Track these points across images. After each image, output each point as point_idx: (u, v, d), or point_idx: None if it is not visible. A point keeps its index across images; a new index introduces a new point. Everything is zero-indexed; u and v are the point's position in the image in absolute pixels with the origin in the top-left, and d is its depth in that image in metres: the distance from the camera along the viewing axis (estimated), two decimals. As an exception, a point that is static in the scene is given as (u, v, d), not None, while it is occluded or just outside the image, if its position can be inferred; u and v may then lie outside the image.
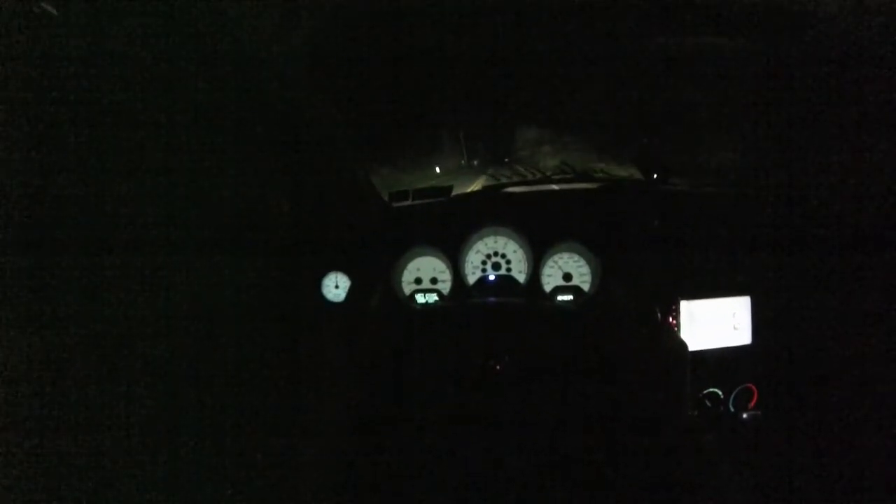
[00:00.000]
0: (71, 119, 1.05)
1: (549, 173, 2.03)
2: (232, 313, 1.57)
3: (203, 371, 1.41)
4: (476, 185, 2.84)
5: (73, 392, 1.06)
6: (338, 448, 1.71)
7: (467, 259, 1.86)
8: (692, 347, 1.63)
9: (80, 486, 1.07)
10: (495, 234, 1.86)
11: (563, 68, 1.96)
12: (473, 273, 1.86)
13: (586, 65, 1.91)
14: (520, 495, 1.61)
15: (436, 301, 1.78)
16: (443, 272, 1.86)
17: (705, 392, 1.63)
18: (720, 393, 1.64)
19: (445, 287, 1.85)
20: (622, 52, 1.72)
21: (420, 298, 1.79)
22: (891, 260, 1.58)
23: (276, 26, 1.08)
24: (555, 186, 2.06)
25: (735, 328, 1.65)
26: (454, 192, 1.97)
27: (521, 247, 1.85)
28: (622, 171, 2.12)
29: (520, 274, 1.84)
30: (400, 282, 1.86)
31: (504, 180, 2.00)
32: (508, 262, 1.86)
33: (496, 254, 1.86)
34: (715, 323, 1.64)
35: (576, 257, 1.82)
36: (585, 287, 1.80)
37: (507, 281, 1.81)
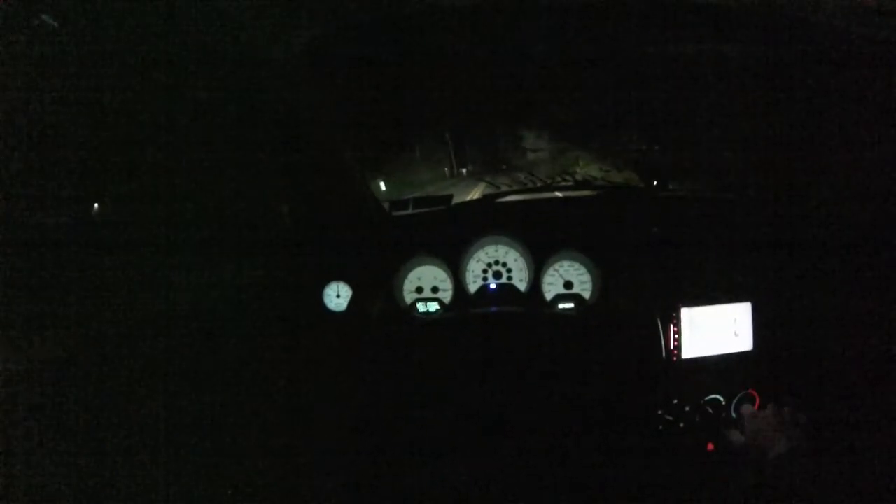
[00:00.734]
0: (71, 119, 1.05)
1: (549, 181, 2.03)
2: (233, 321, 1.56)
3: (203, 376, 1.40)
4: (476, 193, 2.84)
5: (73, 392, 1.05)
6: (339, 454, 1.70)
7: (468, 268, 1.85)
8: (693, 354, 1.63)
9: (80, 486, 1.06)
10: (496, 242, 1.85)
11: (564, 75, 1.96)
12: (474, 282, 1.85)
13: (586, 71, 1.91)
14: (522, 496, 1.61)
15: (437, 310, 1.78)
16: (444, 281, 1.85)
17: (707, 398, 1.63)
18: (722, 399, 1.63)
19: (446, 296, 1.84)
20: (622, 59, 1.72)
21: (421, 307, 1.78)
22: (892, 265, 1.58)
23: (277, 29, 1.08)
24: (555, 194, 2.06)
25: (736, 334, 1.64)
26: (454, 201, 1.97)
27: (521, 255, 1.84)
28: (622, 178, 2.12)
29: (521, 282, 1.83)
30: (401, 291, 1.85)
31: (504, 188, 2.00)
32: (509, 270, 1.85)
33: (497, 262, 1.85)
34: (716, 329, 1.63)
35: (576, 265, 1.81)
36: (586, 295, 1.79)
37: (507, 289, 1.80)
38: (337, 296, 1.82)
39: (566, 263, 1.82)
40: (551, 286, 1.82)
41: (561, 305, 1.75)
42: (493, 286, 1.81)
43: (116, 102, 1.11)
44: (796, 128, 1.72)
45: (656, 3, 1.23)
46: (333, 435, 1.73)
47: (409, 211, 1.95)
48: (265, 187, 1.68)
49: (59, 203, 1.05)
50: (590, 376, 1.59)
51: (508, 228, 1.83)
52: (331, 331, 1.82)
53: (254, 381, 1.59)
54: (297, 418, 1.73)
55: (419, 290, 1.86)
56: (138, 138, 1.20)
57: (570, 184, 1.97)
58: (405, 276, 1.86)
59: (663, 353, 1.61)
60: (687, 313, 1.62)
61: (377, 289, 1.80)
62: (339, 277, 1.82)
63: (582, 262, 1.81)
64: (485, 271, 1.85)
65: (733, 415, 1.62)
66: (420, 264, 1.86)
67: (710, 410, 1.62)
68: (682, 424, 1.62)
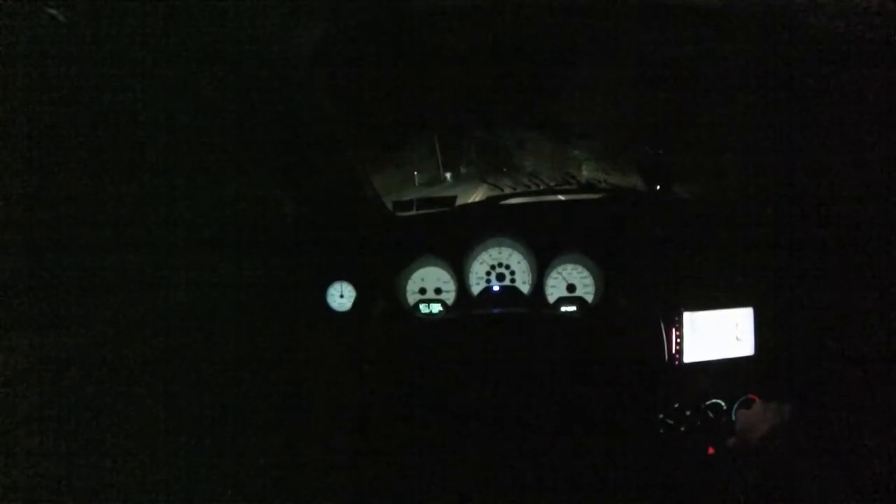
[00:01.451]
0: (71, 119, 1.04)
1: (552, 184, 2.02)
2: (236, 320, 1.56)
3: (205, 375, 1.39)
4: (478, 195, 2.83)
5: (73, 392, 1.04)
6: (341, 452, 1.70)
7: (471, 269, 1.84)
8: (695, 358, 1.62)
9: (81, 485, 1.05)
10: (499, 244, 1.84)
11: (566, 77, 1.95)
12: (477, 283, 1.84)
13: (588, 73, 1.90)
14: (523, 499, 1.60)
15: (440, 311, 1.77)
16: (447, 282, 1.85)
17: (708, 402, 1.62)
18: (723, 403, 1.62)
19: (449, 297, 1.83)
20: (623, 61, 1.71)
21: (424, 308, 1.78)
22: (893, 268, 1.57)
23: (281, 28, 1.07)
24: (558, 197, 2.05)
25: (738, 339, 1.63)
26: (458, 203, 1.96)
27: (525, 257, 1.83)
28: (625, 182, 2.11)
29: (524, 285, 1.82)
30: (404, 291, 1.84)
31: (507, 190, 1.99)
32: (512, 272, 1.84)
33: (500, 264, 1.84)
34: (718, 334, 1.62)
35: (579, 268, 1.80)
36: (589, 298, 1.78)
37: (511, 291, 1.79)
38: (340, 296, 1.81)
39: (569, 266, 1.81)
40: (554, 289, 1.81)
41: (563, 308, 1.74)
42: (496, 288, 1.80)
43: (118, 101, 1.10)
44: (796, 129, 1.71)
45: (656, 5, 1.23)
46: (334, 435, 1.72)
47: (413, 212, 1.95)
48: (269, 187, 1.67)
49: (59, 203, 1.05)
50: (591, 379, 1.58)
51: (512, 230, 1.83)
52: (334, 331, 1.81)
53: (254, 380, 1.58)
54: (298, 418, 1.73)
55: (422, 290, 1.85)
56: (140, 137, 1.19)
57: (573, 187, 1.96)
58: (409, 277, 1.85)
59: (665, 357, 1.60)
60: (689, 317, 1.61)
61: (381, 289, 1.80)
62: (343, 277, 1.81)
63: (585, 265, 1.80)
64: (488, 273, 1.85)
65: (734, 419, 1.62)
66: (423, 265, 1.85)
67: (711, 415, 1.61)
68: (683, 428, 1.61)
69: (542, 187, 2.00)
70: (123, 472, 1.13)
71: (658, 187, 1.97)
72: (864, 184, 1.62)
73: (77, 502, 1.04)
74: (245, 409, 1.55)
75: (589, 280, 1.80)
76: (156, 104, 1.18)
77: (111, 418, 1.12)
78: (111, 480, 1.10)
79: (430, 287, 1.85)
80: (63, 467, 1.02)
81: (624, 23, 1.38)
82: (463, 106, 2.30)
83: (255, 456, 1.56)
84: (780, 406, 1.43)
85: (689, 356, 1.61)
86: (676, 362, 1.60)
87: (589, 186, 1.94)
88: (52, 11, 0.93)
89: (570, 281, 1.80)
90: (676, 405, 1.61)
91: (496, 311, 1.69)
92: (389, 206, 1.90)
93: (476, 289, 1.83)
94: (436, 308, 1.78)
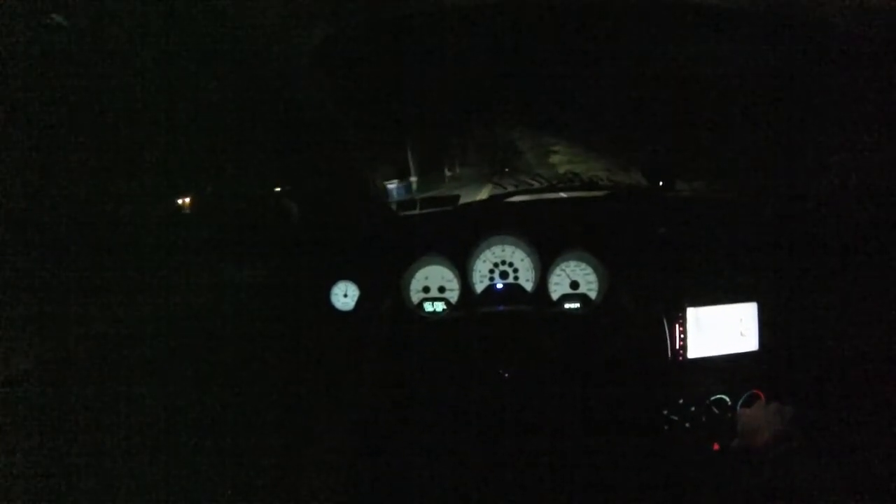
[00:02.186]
0: (71, 119, 1.04)
1: (555, 182, 2.01)
2: (239, 319, 1.56)
3: (207, 374, 1.39)
4: (482, 194, 2.83)
5: (73, 392, 1.04)
6: (343, 452, 1.69)
7: (475, 267, 1.83)
8: (699, 354, 1.61)
9: (80, 486, 1.05)
10: (503, 242, 1.83)
11: (569, 76, 1.94)
12: (481, 281, 1.83)
13: (591, 73, 1.90)
14: (527, 498, 1.60)
15: (444, 309, 1.76)
16: (450, 281, 1.83)
17: (712, 398, 1.61)
18: (727, 399, 1.61)
19: (453, 295, 1.82)
20: (625, 60, 1.71)
21: (428, 307, 1.77)
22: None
23: (285, 28, 1.06)
24: (562, 195, 2.04)
25: (742, 334, 1.61)
26: (461, 201, 1.96)
27: (528, 255, 1.82)
28: (628, 179, 2.10)
29: (527, 282, 1.81)
30: (408, 290, 1.83)
31: (510, 189, 1.98)
32: (516, 270, 1.83)
33: (504, 262, 1.83)
34: (722, 329, 1.61)
35: (583, 265, 1.79)
36: (592, 295, 1.77)
37: (514, 289, 1.78)
38: (344, 295, 1.80)
39: (573, 263, 1.79)
40: (558, 286, 1.79)
41: (567, 305, 1.73)
42: (499, 286, 1.79)
43: (118, 101, 1.10)
44: (798, 127, 1.70)
45: (658, 4, 1.22)
46: (337, 434, 1.72)
47: (417, 211, 1.94)
48: (273, 186, 1.67)
49: (59, 203, 1.05)
50: (595, 376, 1.57)
51: (515, 228, 1.81)
52: (338, 330, 1.81)
53: (257, 380, 1.58)
54: (299, 418, 1.72)
55: (426, 289, 1.84)
56: (141, 137, 1.19)
57: (576, 184, 1.95)
58: (412, 276, 1.84)
59: (669, 353, 1.59)
60: (693, 313, 1.59)
61: (384, 288, 1.79)
62: (347, 277, 1.80)
63: (588, 263, 1.79)
64: (491, 271, 1.83)
65: (736, 419, 1.60)
66: (427, 264, 1.84)
67: (716, 410, 1.59)
68: (687, 424, 1.59)
69: (544, 185, 1.99)
70: (124, 472, 1.13)
71: (661, 184, 1.95)
72: (866, 181, 1.61)
73: (77, 502, 1.04)
74: (247, 408, 1.54)
75: (592, 277, 1.79)
76: (156, 104, 1.18)
77: (111, 418, 1.11)
78: (111, 480, 1.10)
79: (433, 286, 1.84)
80: (63, 467, 1.02)
81: (625, 22, 1.37)
82: (464, 106, 2.29)
83: (256, 456, 1.55)
84: (783, 408, 1.42)
85: (693, 352, 1.60)
86: (680, 358, 1.59)
87: (592, 184, 1.93)
88: (56, 17, 0.93)
89: (574, 278, 1.79)
90: (681, 401, 1.59)
91: (500, 308, 1.68)
92: (393, 205, 1.89)
93: (480, 287, 1.82)
94: (439, 306, 1.77)
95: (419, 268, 1.84)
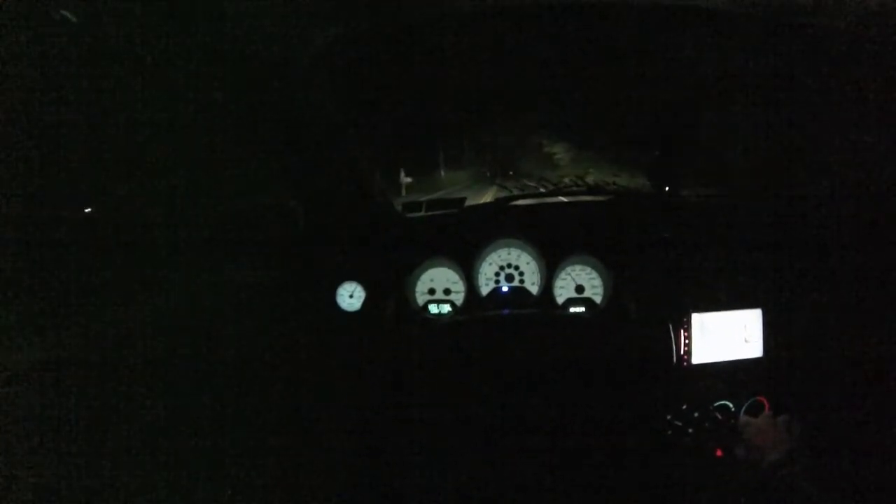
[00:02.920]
0: (71, 119, 1.04)
1: (561, 185, 2.01)
2: (245, 319, 1.55)
3: (208, 374, 1.38)
4: (487, 197, 2.82)
5: (73, 392, 1.03)
6: (347, 453, 1.69)
7: (480, 270, 1.82)
8: (703, 360, 1.60)
9: (81, 486, 1.04)
10: (508, 245, 1.82)
11: (574, 80, 1.94)
12: (487, 284, 1.82)
13: (596, 76, 1.90)
14: (532, 499, 1.59)
15: (449, 311, 1.75)
16: (456, 283, 1.82)
17: (716, 404, 1.60)
18: (731, 405, 1.60)
19: (459, 298, 1.81)
20: (630, 63, 1.71)
21: (433, 309, 1.76)
22: None
23: (293, 30, 1.06)
24: (567, 199, 2.04)
25: (746, 341, 1.60)
26: (467, 204, 1.96)
27: (534, 258, 1.81)
28: (634, 183, 2.10)
29: (532, 286, 1.80)
30: (413, 292, 1.82)
31: (516, 192, 1.98)
32: (521, 273, 1.82)
33: (509, 265, 1.82)
34: (726, 335, 1.60)
35: (588, 269, 1.78)
36: (598, 299, 1.76)
37: (519, 292, 1.77)
38: (350, 296, 1.79)
39: (578, 267, 1.79)
40: (563, 290, 1.78)
41: (572, 309, 1.72)
42: (505, 289, 1.78)
43: (119, 101, 1.10)
44: (801, 129, 1.69)
45: (659, 8, 1.22)
46: (339, 434, 1.72)
47: (423, 213, 1.93)
48: (279, 188, 1.67)
49: (59, 203, 1.04)
50: (599, 380, 1.56)
51: (521, 232, 1.80)
52: (343, 330, 1.80)
53: (262, 380, 1.58)
54: (301, 418, 1.72)
55: (431, 291, 1.83)
56: (142, 137, 1.19)
57: (581, 188, 1.95)
58: (418, 278, 1.83)
59: (673, 358, 1.58)
60: (698, 319, 1.59)
61: (390, 290, 1.78)
62: (353, 278, 1.79)
63: (594, 267, 1.78)
64: (497, 274, 1.83)
65: (739, 428, 1.60)
66: (433, 266, 1.83)
67: (719, 416, 1.59)
68: (690, 430, 1.58)
69: (550, 189, 1.99)
70: (124, 473, 1.11)
71: (666, 189, 1.95)
72: (871, 184, 1.61)
73: (77, 503, 1.03)
74: (248, 409, 1.54)
75: (597, 281, 1.78)
76: (157, 105, 1.17)
77: (112, 419, 1.10)
78: (111, 481, 1.08)
79: (439, 288, 1.83)
80: (63, 467, 1.00)
81: (629, 25, 1.37)
82: (468, 109, 2.29)
83: (257, 456, 1.55)
84: (786, 415, 1.41)
85: (698, 357, 1.59)
86: (685, 363, 1.58)
87: (597, 188, 1.93)
88: (65, 13, 0.92)
89: (579, 282, 1.78)
90: (684, 406, 1.58)
91: (505, 311, 1.67)
92: (399, 207, 1.89)
93: (485, 290, 1.81)
94: (445, 309, 1.76)
95: (425, 269, 1.83)
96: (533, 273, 1.81)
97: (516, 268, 1.82)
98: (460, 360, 1.59)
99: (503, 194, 1.96)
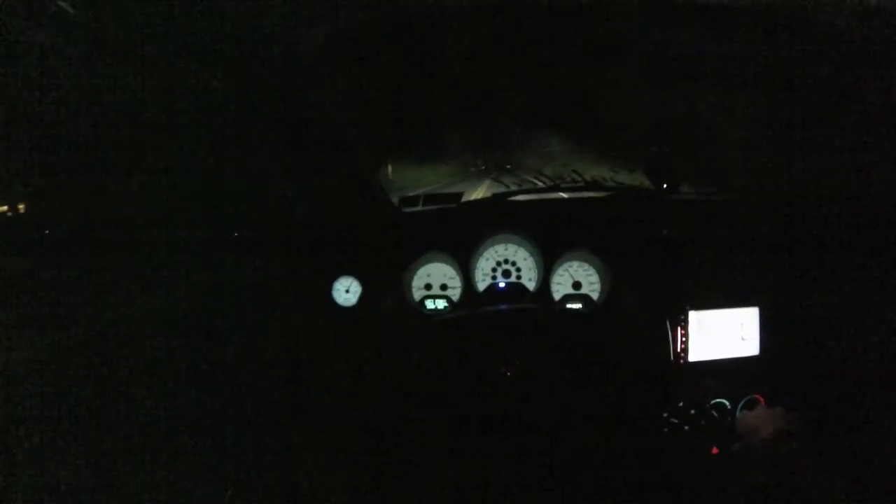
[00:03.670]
0: (71, 119, 1.03)
1: (559, 181, 2.00)
2: (241, 315, 1.54)
3: (208, 373, 1.38)
4: (482, 191, 2.81)
5: (73, 392, 1.03)
6: (345, 451, 1.69)
7: (477, 266, 1.82)
8: (700, 357, 1.60)
9: (81, 485, 1.04)
10: (506, 241, 1.82)
11: (571, 76, 1.93)
12: (483, 280, 1.82)
13: (594, 72, 1.89)
14: (528, 496, 1.59)
15: (445, 307, 1.75)
16: (453, 278, 1.82)
17: (712, 402, 1.60)
18: (727, 403, 1.60)
19: (455, 293, 1.81)
20: (629, 60, 1.70)
21: (430, 304, 1.76)
22: None
23: (291, 25, 1.05)
24: (565, 195, 2.03)
25: (743, 339, 1.61)
26: (463, 199, 1.95)
27: (531, 254, 1.81)
28: (632, 180, 2.09)
29: (529, 282, 1.80)
30: (410, 287, 1.82)
31: (513, 187, 1.97)
32: (518, 269, 1.82)
33: (506, 261, 1.82)
34: (723, 333, 1.60)
35: (585, 266, 1.78)
36: (595, 295, 1.76)
37: (516, 288, 1.77)
38: (346, 291, 1.79)
39: (575, 264, 1.79)
40: (560, 286, 1.78)
41: (569, 305, 1.72)
42: (501, 285, 1.78)
43: (119, 100, 1.08)
44: (800, 128, 1.69)
45: (658, 4, 1.21)
46: (337, 433, 1.71)
47: (420, 208, 1.93)
48: (276, 183, 1.65)
49: (59, 203, 1.03)
50: (596, 377, 1.56)
51: (518, 227, 1.80)
52: (340, 326, 1.80)
53: (258, 377, 1.57)
54: (300, 416, 1.71)
55: (428, 286, 1.83)
56: (141, 136, 1.17)
57: (579, 184, 1.94)
58: (415, 273, 1.83)
59: (670, 356, 1.58)
60: (695, 316, 1.59)
61: (387, 285, 1.78)
62: (349, 273, 1.79)
63: (591, 263, 1.78)
64: (494, 270, 1.82)
65: (735, 421, 1.60)
66: (430, 261, 1.83)
67: (716, 414, 1.59)
68: (686, 427, 1.59)
69: (548, 185, 1.99)
70: (124, 472, 1.12)
71: (664, 186, 1.94)
72: (869, 183, 1.61)
73: (77, 502, 1.03)
74: (248, 406, 1.53)
75: (595, 278, 1.78)
76: (159, 103, 1.16)
77: (111, 418, 1.10)
78: (111, 480, 1.09)
79: (435, 283, 1.83)
80: (63, 467, 1.01)
81: (627, 21, 1.36)
82: (467, 104, 2.28)
83: (256, 455, 1.55)
84: (783, 412, 1.41)
85: (695, 355, 1.59)
86: (681, 361, 1.58)
87: (595, 184, 1.93)
88: (62, 4, 0.91)
89: (576, 278, 1.78)
90: (681, 404, 1.59)
91: (502, 307, 1.67)
92: (395, 202, 1.88)
93: (482, 285, 1.81)
94: (441, 304, 1.76)
95: (422, 265, 1.83)
96: (530, 269, 1.81)
97: (513, 263, 1.82)
98: (457, 356, 1.59)
99: (500, 189, 1.95)
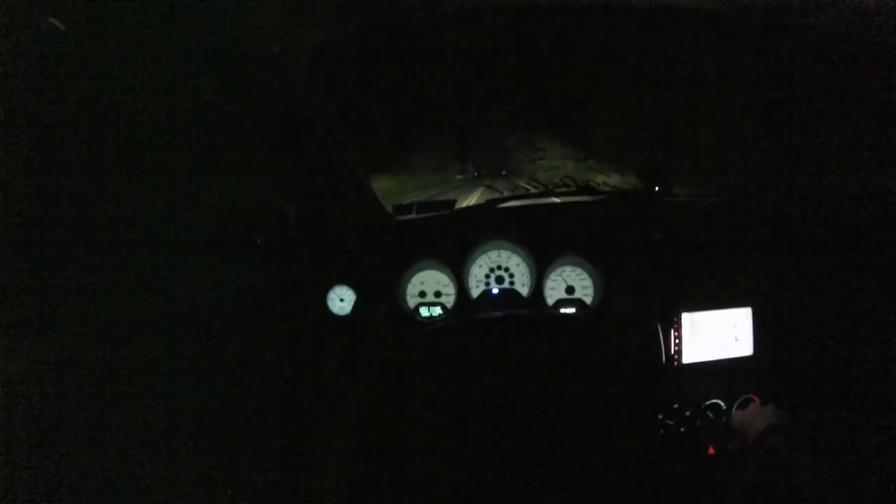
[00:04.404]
0: (71, 119, 1.03)
1: (551, 186, 2.01)
2: (236, 322, 1.54)
3: (205, 377, 1.38)
4: (475, 197, 2.82)
5: (73, 392, 1.03)
6: (339, 456, 1.68)
7: (471, 272, 1.83)
8: (694, 359, 1.61)
9: (81, 486, 1.04)
10: (499, 247, 1.83)
11: (565, 80, 1.94)
12: (477, 286, 1.83)
13: (587, 76, 1.90)
14: (525, 500, 1.59)
15: (439, 314, 1.76)
16: (447, 285, 1.83)
17: (707, 403, 1.61)
18: (722, 404, 1.61)
19: (449, 300, 1.82)
20: (623, 63, 1.71)
21: (424, 311, 1.76)
22: (893, 270, 1.56)
23: (285, 30, 1.06)
24: (557, 199, 2.04)
25: (737, 339, 1.61)
26: (456, 206, 1.95)
27: (524, 260, 1.82)
28: (624, 183, 2.10)
29: (523, 287, 1.81)
30: (404, 295, 1.83)
31: (506, 193, 1.98)
32: (512, 275, 1.83)
33: (499, 267, 1.83)
34: (717, 334, 1.61)
35: (578, 270, 1.79)
36: (588, 300, 1.77)
37: (510, 294, 1.78)
38: (340, 299, 1.80)
39: (568, 268, 1.80)
40: (553, 291, 1.80)
41: (563, 310, 1.72)
42: (495, 291, 1.79)
43: (118, 101, 1.09)
44: (796, 129, 1.70)
45: (656, 7, 1.22)
46: (334, 437, 1.71)
47: (413, 215, 1.93)
48: (270, 189, 1.66)
49: (59, 203, 1.04)
50: (590, 380, 1.57)
51: (511, 233, 1.81)
52: (334, 334, 1.80)
53: (254, 383, 1.57)
54: (297, 420, 1.71)
55: (422, 294, 1.84)
56: (140, 137, 1.18)
57: (571, 189, 1.95)
58: (408, 281, 1.84)
59: (664, 358, 1.59)
60: (688, 318, 1.60)
61: (381, 293, 1.78)
62: (343, 281, 1.80)
63: (584, 268, 1.79)
64: (487, 276, 1.83)
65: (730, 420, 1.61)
66: (423, 269, 1.84)
67: (711, 415, 1.59)
68: (682, 429, 1.60)
69: (540, 190, 1.99)
70: (123, 473, 1.12)
71: (656, 189, 1.96)
72: (864, 184, 1.62)
73: (77, 502, 1.03)
74: (245, 411, 1.53)
75: (588, 282, 1.79)
76: (156, 104, 1.17)
77: (111, 419, 1.10)
78: (111, 481, 1.09)
79: (429, 290, 1.84)
80: (63, 467, 1.01)
81: (622, 24, 1.37)
82: (462, 108, 2.29)
83: (255, 457, 1.54)
84: (777, 412, 1.42)
85: (688, 357, 1.60)
86: (675, 363, 1.59)
87: (587, 188, 1.94)
88: (54, 21, 0.92)
89: (570, 283, 1.79)
90: (676, 406, 1.59)
91: (496, 313, 1.67)
92: (389, 209, 1.89)
93: (475, 292, 1.82)
94: (436, 311, 1.77)
95: (415, 272, 1.84)
96: (523, 275, 1.82)
97: (506, 269, 1.83)
98: (451, 363, 1.59)
99: (493, 195, 1.96)
